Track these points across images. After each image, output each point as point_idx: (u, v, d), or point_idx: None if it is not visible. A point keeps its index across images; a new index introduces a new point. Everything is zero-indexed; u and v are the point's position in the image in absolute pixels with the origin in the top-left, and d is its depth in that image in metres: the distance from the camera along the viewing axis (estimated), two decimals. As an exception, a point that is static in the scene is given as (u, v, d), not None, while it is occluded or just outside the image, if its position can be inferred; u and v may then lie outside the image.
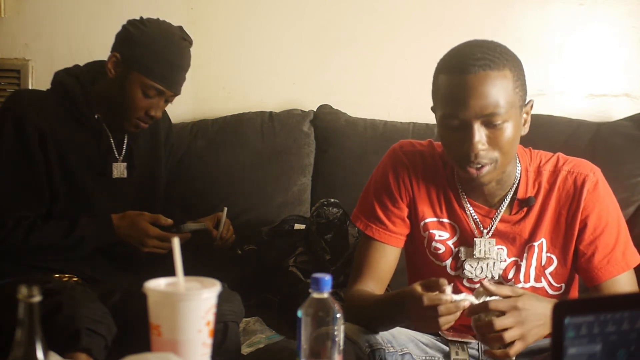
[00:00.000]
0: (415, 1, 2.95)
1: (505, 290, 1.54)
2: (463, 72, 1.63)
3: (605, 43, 2.91)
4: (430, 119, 2.75)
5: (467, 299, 1.52)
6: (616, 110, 2.87)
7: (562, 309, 0.92)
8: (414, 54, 2.94)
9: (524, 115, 1.72)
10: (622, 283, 1.76)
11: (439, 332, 1.76)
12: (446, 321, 1.51)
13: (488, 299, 1.53)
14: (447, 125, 1.68)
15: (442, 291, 1.51)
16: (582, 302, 0.96)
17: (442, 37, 2.90)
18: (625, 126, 2.71)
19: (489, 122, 1.64)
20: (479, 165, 1.67)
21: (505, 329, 1.49)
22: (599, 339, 0.93)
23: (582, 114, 2.84)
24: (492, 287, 1.54)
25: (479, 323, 1.52)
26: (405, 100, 2.93)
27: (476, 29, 2.87)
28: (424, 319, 1.52)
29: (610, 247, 1.76)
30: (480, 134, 1.64)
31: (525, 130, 1.73)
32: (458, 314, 1.51)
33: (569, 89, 2.93)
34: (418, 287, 1.53)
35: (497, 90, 1.63)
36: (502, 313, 1.50)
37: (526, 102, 1.73)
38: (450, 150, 1.71)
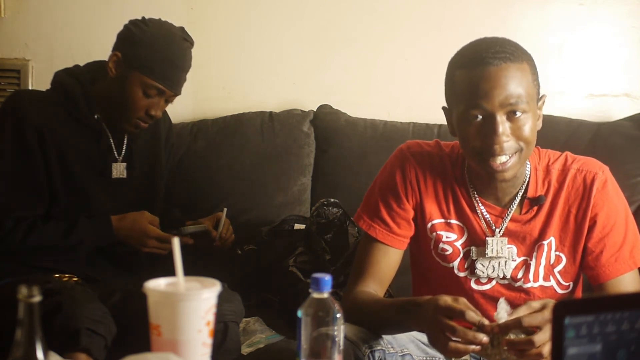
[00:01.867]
0: (415, 1, 2.95)
1: (522, 310, 1.49)
2: (484, 65, 1.65)
3: (605, 43, 2.91)
4: (430, 119, 2.79)
5: (484, 335, 1.47)
6: (616, 110, 2.87)
7: (562, 309, 0.92)
8: (414, 54, 2.94)
9: (538, 111, 1.74)
10: (628, 282, 1.76)
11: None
12: (454, 348, 1.47)
13: (508, 317, 1.49)
14: (468, 120, 1.68)
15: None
16: (582, 302, 0.96)
17: (442, 37, 2.92)
18: (625, 126, 2.71)
19: (512, 113, 1.65)
20: (504, 159, 1.67)
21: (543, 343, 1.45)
22: (599, 339, 0.93)
23: (582, 114, 2.84)
24: (509, 320, 1.48)
25: (516, 340, 1.47)
26: (405, 100, 2.93)
27: (476, 29, 2.85)
28: (437, 330, 1.49)
29: (618, 245, 1.76)
30: (504, 125, 1.65)
31: (539, 125, 1.74)
32: (470, 347, 1.47)
33: (569, 89, 2.93)
34: (448, 298, 1.51)
35: (519, 81, 1.66)
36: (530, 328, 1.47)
37: (540, 97, 1.74)
38: (471, 145, 1.70)
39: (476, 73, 1.66)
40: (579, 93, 2.93)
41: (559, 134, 2.65)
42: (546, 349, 1.45)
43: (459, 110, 1.70)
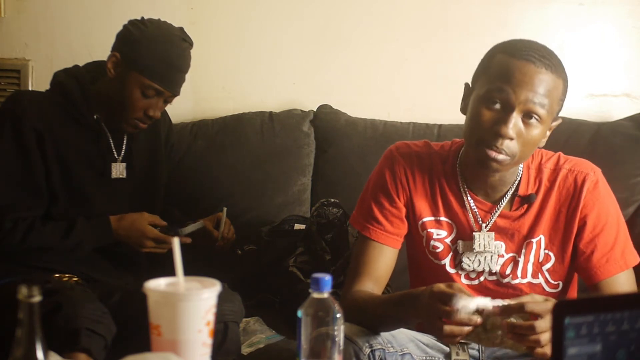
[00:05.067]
0: (415, 2, 2.95)
1: (525, 297, 1.51)
2: (526, 60, 1.67)
3: (605, 43, 2.91)
4: (430, 119, 2.79)
5: (477, 315, 1.47)
6: (616, 110, 2.87)
7: (562, 309, 0.92)
8: (414, 54, 2.94)
9: (548, 131, 1.75)
10: (621, 282, 1.76)
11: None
12: (450, 331, 1.48)
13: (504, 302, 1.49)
14: (486, 102, 1.69)
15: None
16: (582, 302, 0.96)
17: (442, 37, 2.93)
18: (625, 126, 2.71)
19: (527, 115, 1.67)
20: (500, 157, 1.67)
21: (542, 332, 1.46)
22: (599, 339, 0.93)
23: (582, 114, 2.84)
24: (512, 303, 1.48)
25: (517, 323, 1.47)
26: (405, 100, 2.93)
27: (476, 29, 2.88)
28: (432, 316, 1.50)
29: (609, 246, 1.77)
30: (516, 122, 1.66)
31: (542, 143, 1.75)
32: (465, 329, 1.48)
33: (569, 88, 2.92)
34: (442, 285, 1.52)
35: (549, 91, 1.67)
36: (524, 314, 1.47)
37: (556, 117, 1.75)
38: (477, 127, 1.70)
39: (516, 62, 1.67)
40: (579, 93, 2.92)
41: (559, 134, 2.63)
42: (544, 338, 1.46)
43: (483, 90, 1.70)
